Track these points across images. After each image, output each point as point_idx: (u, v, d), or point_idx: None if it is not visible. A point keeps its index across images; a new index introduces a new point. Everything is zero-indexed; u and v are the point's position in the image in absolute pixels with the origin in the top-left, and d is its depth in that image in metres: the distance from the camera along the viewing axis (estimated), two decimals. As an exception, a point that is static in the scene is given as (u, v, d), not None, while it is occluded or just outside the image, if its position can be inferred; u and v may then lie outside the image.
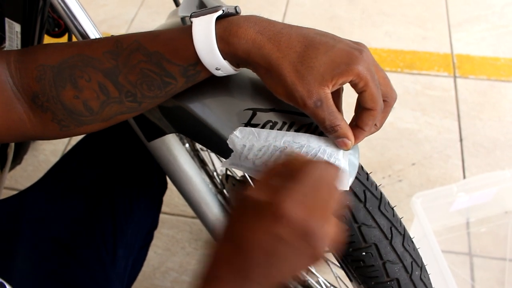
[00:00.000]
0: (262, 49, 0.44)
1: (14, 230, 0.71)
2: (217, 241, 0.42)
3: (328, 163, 0.43)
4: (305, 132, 0.48)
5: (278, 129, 0.48)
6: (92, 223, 0.74)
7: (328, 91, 0.44)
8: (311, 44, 0.44)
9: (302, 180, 0.39)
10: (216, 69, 0.47)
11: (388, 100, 0.48)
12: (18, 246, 0.69)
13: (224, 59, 0.46)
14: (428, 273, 0.60)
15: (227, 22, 0.45)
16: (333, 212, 0.40)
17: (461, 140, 1.50)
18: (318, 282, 0.99)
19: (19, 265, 0.68)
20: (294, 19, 1.94)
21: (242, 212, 0.41)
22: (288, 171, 0.41)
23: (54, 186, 0.76)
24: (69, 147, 1.57)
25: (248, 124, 0.49)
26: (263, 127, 0.49)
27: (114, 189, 0.77)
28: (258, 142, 0.48)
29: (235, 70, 0.48)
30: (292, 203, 0.38)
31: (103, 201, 0.75)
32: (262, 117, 0.49)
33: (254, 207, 0.39)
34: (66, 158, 0.81)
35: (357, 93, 0.46)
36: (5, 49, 0.87)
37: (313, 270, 1.00)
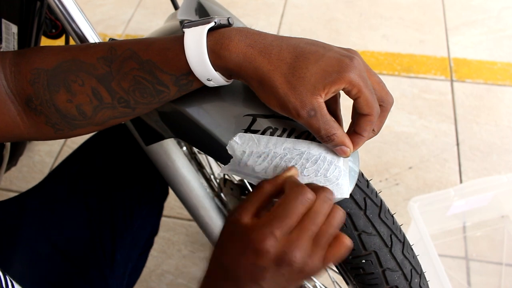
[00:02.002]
0: (253, 62, 0.44)
1: (13, 233, 0.70)
2: (211, 260, 0.46)
3: (319, 188, 0.45)
4: (306, 139, 0.48)
5: (278, 136, 0.48)
6: (91, 229, 0.73)
7: (321, 100, 0.44)
8: (301, 55, 0.44)
9: (289, 215, 0.42)
10: (208, 80, 0.47)
11: (385, 105, 0.48)
12: (16, 249, 0.68)
13: (216, 71, 0.46)
14: (427, 280, 0.59)
15: (219, 34, 0.45)
16: (329, 235, 0.44)
17: (457, 144, 1.50)
18: (314, 287, 0.98)
19: (16, 268, 0.67)
20: (292, 21, 1.94)
21: (230, 238, 0.45)
22: (280, 205, 0.43)
23: (54, 190, 0.76)
24: (64, 148, 1.56)
25: (248, 130, 0.49)
26: (263, 133, 0.48)
27: (114, 195, 0.76)
28: (258, 148, 0.48)
29: (227, 82, 0.48)
30: (274, 241, 0.41)
31: (103, 207, 0.75)
32: (262, 123, 0.48)
33: (240, 236, 0.43)
34: (67, 162, 0.80)
35: (352, 100, 0.46)
36: (1, 50, 0.86)
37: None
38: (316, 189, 0.45)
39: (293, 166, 0.47)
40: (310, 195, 0.43)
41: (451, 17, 1.91)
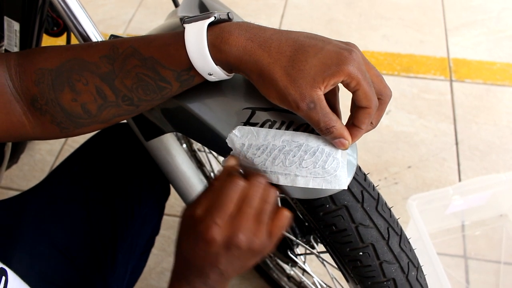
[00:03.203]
0: (253, 56, 0.45)
1: (13, 233, 0.70)
2: (176, 253, 0.51)
3: (251, 174, 0.49)
4: (304, 131, 0.48)
5: (276, 128, 0.49)
6: (91, 228, 0.73)
7: (320, 92, 0.44)
8: (300, 48, 0.45)
9: (226, 203, 0.47)
10: (209, 75, 0.48)
11: (383, 98, 0.49)
12: (15, 249, 0.69)
13: (217, 65, 0.47)
14: (424, 273, 0.60)
15: (219, 29, 0.46)
16: (268, 212, 0.48)
17: (457, 143, 1.51)
18: (314, 283, 0.99)
19: (14, 266, 0.67)
20: (292, 21, 1.94)
21: (185, 232, 0.49)
22: (216, 192, 0.48)
23: (55, 190, 0.76)
24: (65, 147, 1.57)
25: (247, 123, 0.49)
26: (262, 126, 0.49)
27: (115, 194, 0.77)
28: (257, 141, 0.49)
29: (228, 76, 0.49)
30: (217, 228, 0.46)
31: (103, 206, 0.75)
32: (261, 116, 0.49)
33: (192, 228, 0.48)
34: (68, 161, 0.80)
35: (351, 92, 0.46)
36: (3, 47, 0.87)
37: (308, 270, 1.00)
38: (249, 174, 0.49)
39: (232, 156, 0.51)
40: (240, 181, 0.47)
41: (451, 18, 1.92)
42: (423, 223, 1.08)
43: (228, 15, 0.48)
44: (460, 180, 1.42)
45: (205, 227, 0.46)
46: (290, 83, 0.44)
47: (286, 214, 0.49)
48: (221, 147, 0.51)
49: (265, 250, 0.49)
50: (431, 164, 1.46)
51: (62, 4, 0.62)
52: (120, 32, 1.95)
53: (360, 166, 0.58)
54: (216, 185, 0.49)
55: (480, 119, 1.57)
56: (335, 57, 0.44)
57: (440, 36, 1.85)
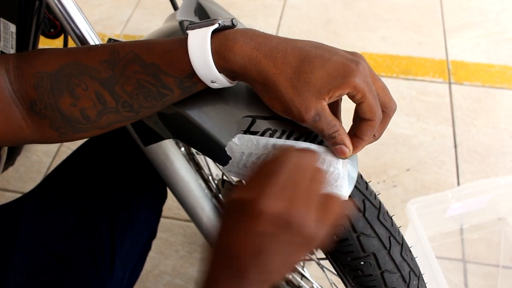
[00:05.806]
0: (258, 65, 0.44)
1: (11, 239, 0.69)
2: (212, 246, 0.43)
3: (302, 149, 0.44)
4: (305, 140, 0.48)
5: (277, 137, 0.48)
6: (90, 234, 0.73)
7: (325, 103, 0.44)
8: (306, 58, 0.44)
9: (277, 172, 0.40)
10: (212, 82, 0.47)
11: (387, 111, 0.48)
12: (13, 256, 0.68)
13: (220, 72, 0.46)
14: (426, 282, 0.60)
15: (223, 36, 0.45)
16: (319, 195, 0.41)
17: (455, 146, 1.51)
18: (312, 288, 0.98)
19: (13, 275, 0.67)
20: (290, 22, 1.94)
21: (227, 216, 0.42)
22: (265, 167, 0.42)
23: (52, 194, 0.75)
24: (62, 149, 1.56)
25: (247, 131, 0.49)
26: (262, 134, 0.48)
27: (113, 199, 0.76)
28: (257, 149, 0.48)
29: (231, 83, 0.48)
30: (267, 198, 0.38)
31: (101, 211, 0.74)
32: (261, 124, 0.48)
33: (234, 208, 0.41)
34: (65, 165, 0.80)
35: (355, 104, 0.45)
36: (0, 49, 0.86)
37: (307, 276, 0.99)
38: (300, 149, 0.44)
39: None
40: (295, 151, 0.42)
41: (449, 19, 1.92)
42: (422, 226, 1.08)
43: (232, 21, 0.47)
44: (458, 183, 1.42)
45: (253, 199, 0.38)
46: (296, 96, 0.43)
47: (339, 200, 0.42)
48: (219, 155, 0.50)
49: (315, 240, 0.40)
50: (430, 167, 1.46)
51: (58, 5, 0.61)
52: (118, 32, 1.94)
53: (362, 175, 0.57)
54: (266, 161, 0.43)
55: (478, 122, 1.57)
56: (342, 69, 0.43)
57: (439, 38, 1.85)
